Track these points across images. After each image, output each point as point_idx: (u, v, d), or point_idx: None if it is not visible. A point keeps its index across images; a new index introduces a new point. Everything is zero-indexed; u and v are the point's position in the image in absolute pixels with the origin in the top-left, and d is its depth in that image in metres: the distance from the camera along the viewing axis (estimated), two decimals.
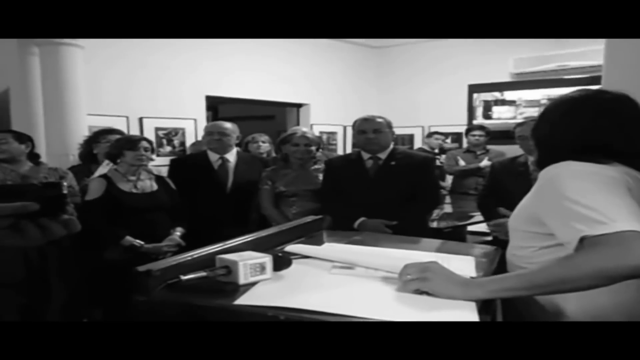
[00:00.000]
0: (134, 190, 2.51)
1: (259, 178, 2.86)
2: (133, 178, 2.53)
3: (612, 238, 0.91)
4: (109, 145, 2.75)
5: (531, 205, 1.19)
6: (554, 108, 1.26)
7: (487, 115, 5.34)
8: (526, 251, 1.20)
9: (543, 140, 1.27)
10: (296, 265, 1.15)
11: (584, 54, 4.74)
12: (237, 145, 3.18)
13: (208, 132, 2.98)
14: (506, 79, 5.31)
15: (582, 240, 0.95)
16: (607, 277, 0.92)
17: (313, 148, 2.77)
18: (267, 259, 1.06)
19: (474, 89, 5.45)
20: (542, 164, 1.21)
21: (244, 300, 0.93)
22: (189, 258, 1.07)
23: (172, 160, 3.19)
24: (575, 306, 1.09)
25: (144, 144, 2.55)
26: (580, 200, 0.99)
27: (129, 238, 2.40)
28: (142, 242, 2.42)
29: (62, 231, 0.65)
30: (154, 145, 2.70)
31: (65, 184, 0.67)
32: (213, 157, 2.94)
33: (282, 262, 1.10)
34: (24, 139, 2.71)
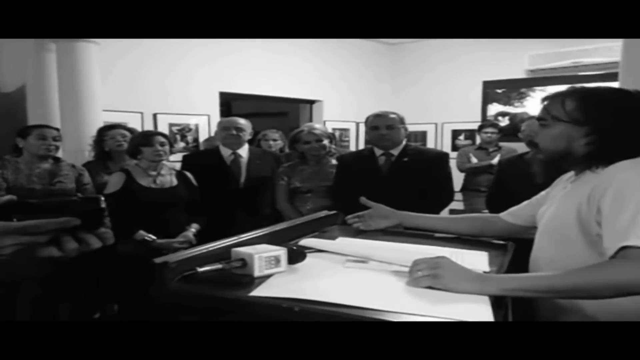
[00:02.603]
0: (153, 185, 2.53)
1: (272, 173, 2.88)
2: (153, 173, 2.56)
3: None
4: (128, 142, 2.79)
5: (582, 206, 1.09)
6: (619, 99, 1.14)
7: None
8: (564, 256, 1.13)
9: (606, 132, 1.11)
10: (310, 259, 1.15)
11: (598, 50, 4.67)
12: (251, 141, 3.20)
13: (224, 128, 2.97)
14: (521, 75, 5.25)
15: (621, 250, 0.93)
16: (628, 291, 0.91)
17: (326, 142, 2.77)
18: (281, 252, 1.07)
19: (488, 85, 5.40)
20: (596, 157, 1.11)
21: (259, 291, 0.94)
22: (205, 251, 1.08)
23: (184, 157, 3.20)
24: (593, 303, 1.07)
25: (159, 138, 2.56)
26: None
27: (141, 232, 2.42)
28: (154, 237, 2.43)
29: (98, 243, 0.68)
30: (170, 139, 2.71)
31: (103, 198, 0.69)
32: (225, 152, 2.95)
33: (296, 255, 1.11)
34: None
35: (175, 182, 2.61)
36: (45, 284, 2.55)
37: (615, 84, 2.48)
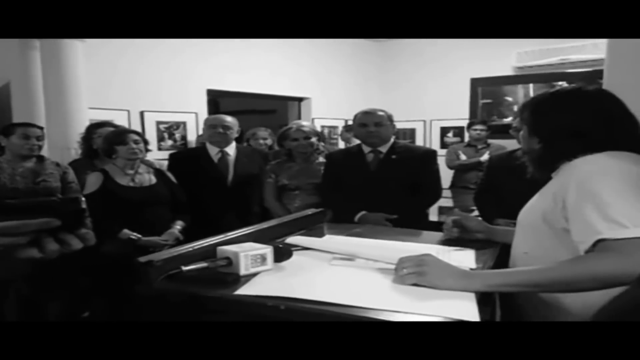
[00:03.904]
0: (131, 184, 2.49)
1: (260, 171, 2.87)
2: (131, 172, 2.51)
3: (629, 244, 0.90)
4: (101, 141, 2.70)
5: (548, 201, 1.13)
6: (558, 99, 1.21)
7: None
8: (536, 249, 1.15)
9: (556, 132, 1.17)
10: (297, 257, 1.15)
11: (586, 47, 4.72)
12: (238, 139, 3.18)
13: (210, 126, 2.95)
14: (509, 72, 5.29)
15: (598, 242, 0.94)
16: (612, 283, 0.92)
17: (314, 139, 2.77)
18: (267, 250, 1.07)
19: (476, 82, 5.43)
20: (548, 159, 1.18)
21: (244, 290, 0.94)
22: (190, 249, 1.08)
23: (171, 155, 3.17)
24: (574, 299, 1.08)
25: (133, 136, 2.50)
26: (609, 200, 0.96)
27: (126, 231, 2.39)
28: (139, 235, 2.40)
29: (78, 244, 0.67)
30: (144, 136, 2.63)
31: (83, 198, 0.68)
32: (212, 150, 2.93)
33: (282, 254, 1.11)
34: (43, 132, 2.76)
35: (154, 180, 2.57)
36: (32, 283, 2.52)
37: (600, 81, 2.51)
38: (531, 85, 5.26)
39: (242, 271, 1.02)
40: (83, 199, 0.67)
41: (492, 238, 1.45)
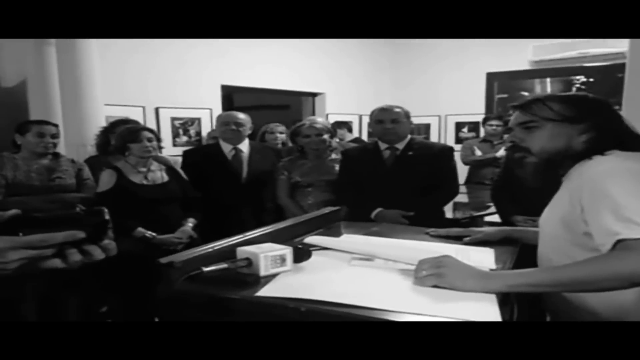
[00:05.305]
0: (145, 182, 2.48)
1: (273, 168, 2.86)
2: (143, 169, 2.50)
3: None
4: (115, 139, 2.69)
5: (565, 205, 1.12)
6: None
7: None
8: (561, 255, 1.13)
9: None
10: (316, 257, 1.15)
11: (606, 41, 4.62)
12: (252, 135, 3.17)
13: (223, 123, 2.94)
14: (525, 66, 5.21)
15: (618, 243, 0.94)
16: (634, 282, 0.91)
17: (326, 136, 2.75)
18: (287, 251, 1.06)
19: (492, 77, 5.37)
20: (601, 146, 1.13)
21: (265, 292, 0.94)
22: (210, 250, 1.08)
23: (184, 152, 3.16)
24: (597, 298, 1.07)
25: (146, 134, 2.49)
26: (622, 201, 0.96)
27: (141, 229, 2.38)
28: (154, 234, 2.40)
29: (101, 255, 0.69)
30: (157, 133, 2.62)
31: (106, 210, 0.70)
32: (226, 147, 2.93)
33: (302, 254, 1.11)
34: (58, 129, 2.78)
35: (166, 177, 2.56)
36: (50, 278, 2.56)
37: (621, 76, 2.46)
38: (548, 80, 5.19)
39: (262, 272, 1.02)
40: (106, 210, 0.68)
41: (511, 237, 1.44)
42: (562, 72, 4.90)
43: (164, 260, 0.97)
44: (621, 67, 2.58)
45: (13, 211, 0.66)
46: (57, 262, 0.66)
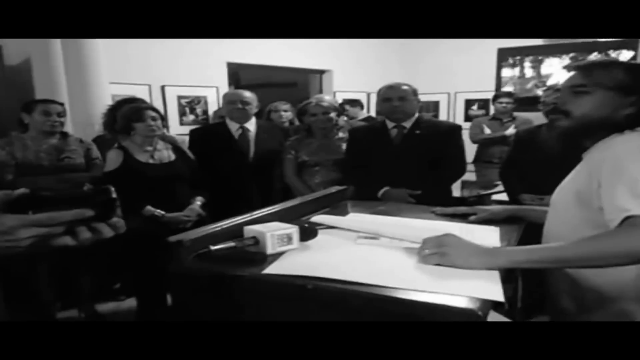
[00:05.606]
0: (151, 161, 2.49)
1: (280, 147, 2.86)
2: (150, 148, 2.50)
3: None
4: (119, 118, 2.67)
5: (582, 180, 1.12)
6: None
7: None
8: (570, 231, 1.13)
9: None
10: (322, 236, 1.16)
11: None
12: (259, 114, 3.15)
13: (230, 101, 2.92)
14: (538, 42, 5.10)
15: (626, 219, 0.93)
16: (638, 259, 0.91)
17: (332, 115, 2.74)
18: (293, 230, 1.08)
19: (503, 53, 5.26)
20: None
21: (272, 269, 0.96)
22: (218, 229, 1.10)
23: (191, 131, 3.15)
24: (598, 274, 1.08)
25: (150, 113, 2.48)
26: (638, 177, 0.95)
27: (149, 208, 2.40)
28: (163, 212, 2.41)
29: (110, 232, 0.71)
30: (161, 112, 2.60)
31: (112, 188, 0.72)
32: (233, 126, 2.92)
33: (308, 233, 1.12)
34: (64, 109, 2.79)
35: (173, 156, 2.57)
36: (63, 256, 2.61)
37: (631, 53, 2.41)
38: (561, 56, 5.08)
39: (269, 250, 1.03)
40: (113, 188, 0.70)
41: (517, 215, 1.44)
42: (574, 47, 4.80)
43: (173, 238, 0.99)
44: (634, 43, 2.53)
45: (21, 190, 0.68)
46: (67, 240, 0.68)
